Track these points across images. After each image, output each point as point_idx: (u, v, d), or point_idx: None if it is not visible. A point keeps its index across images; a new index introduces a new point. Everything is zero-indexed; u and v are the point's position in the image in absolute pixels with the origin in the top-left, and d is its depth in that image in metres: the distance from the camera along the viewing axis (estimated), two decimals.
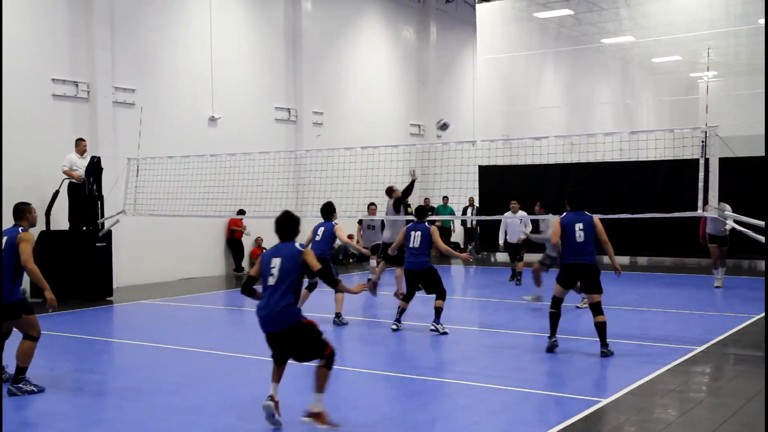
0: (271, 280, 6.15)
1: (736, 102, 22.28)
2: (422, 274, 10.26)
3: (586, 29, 27.54)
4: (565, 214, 8.98)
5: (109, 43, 15.77)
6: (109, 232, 14.14)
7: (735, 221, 10.72)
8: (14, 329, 7.70)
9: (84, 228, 14.03)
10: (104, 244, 14.00)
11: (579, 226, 8.79)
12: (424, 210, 10.80)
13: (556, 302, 9.03)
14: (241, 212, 18.22)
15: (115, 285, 14.35)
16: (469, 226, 23.07)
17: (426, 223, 10.43)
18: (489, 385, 7.64)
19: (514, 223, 14.64)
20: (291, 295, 6.12)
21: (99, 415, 6.89)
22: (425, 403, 7.00)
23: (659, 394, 7.28)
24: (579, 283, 9.12)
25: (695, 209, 10.00)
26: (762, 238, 9.66)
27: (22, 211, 7.76)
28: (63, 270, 13.66)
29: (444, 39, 25.85)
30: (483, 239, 21.80)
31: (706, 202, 10.11)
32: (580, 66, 29.39)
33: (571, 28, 27.30)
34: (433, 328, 10.07)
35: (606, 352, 8.73)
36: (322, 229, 10.80)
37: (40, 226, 14.01)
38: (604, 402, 6.91)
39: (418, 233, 10.24)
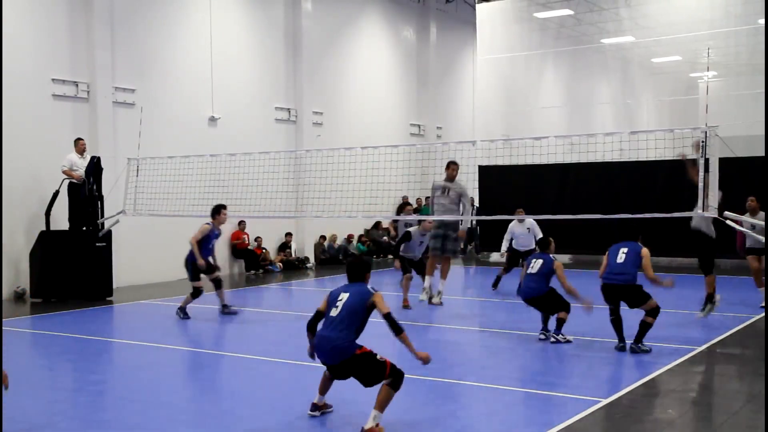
0: (334, 312, 6.20)
1: (736, 102, 22.27)
2: (542, 299, 9.88)
3: (586, 29, 27.54)
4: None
5: (109, 43, 15.77)
6: (109, 232, 14.13)
7: (736, 221, 10.69)
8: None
9: (84, 228, 14.02)
10: (104, 244, 13.99)
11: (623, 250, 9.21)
12: (546, 242, 10.31)
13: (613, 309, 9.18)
14: (242, 223, 18.36)
15: (115, 285, 14.35)
16: (469, 226, 23.05)
17: (551, 255, 9.98)
18: (489, 385, 7.64)
19: (522, 232, 14.24)
20: (350, 331, 6.14)
21: (99, 415, 6.89)
22: (425, 403, 6.99)
23: (659, 394, 7.28)
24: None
25: (695, 209, 9.99)
26: (762, 238, 9.65)
27: None
28: (63, 270, 13.67)
29: (444, 39, 25.86)
30: (483, 239, 21.81)
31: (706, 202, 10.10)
32: (580, 66, 29.39)
33: (571, 28, 27.30)
34: (554, 339, 9.64)
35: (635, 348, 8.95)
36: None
37: (40, 226, 14.05)
38: (604, 402, 6.90)
39: (539, 262, 9.87)
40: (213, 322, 11.84)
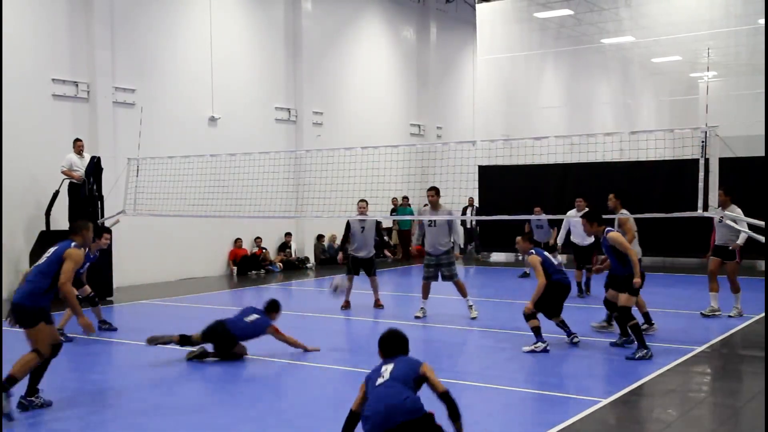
0: (379, 381, 5.19)
1: (736, 102, 22.25)
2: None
3: (586, 29, 27.54)
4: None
5: (109, 43, 15.78)
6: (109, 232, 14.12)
7: (736, 221, 10.68)
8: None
9: None
10: None
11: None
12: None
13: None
14: (238, 240, 18.42)
15: (115, 285, 14.35)
16: (468, 226, 23.08)
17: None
18: (489, 385, 7.65)
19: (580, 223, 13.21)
20: (409, 390, 5.20)
21: (99, 415, 6.89)
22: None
23: (659, 394, 7.28)
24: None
25: (695, 209, 9.99)
26: (762, 238, 9.65)
27: (79, 228, 7.36)
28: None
29: (444, 39, 25.86)
30: (483, 239, 21.82)
31: (706, 202, 10.10)
32: (580, 66, 29.39)
33: (571, 28, 27.30)
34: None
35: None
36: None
37: (40, 226, 14.05)
38: (604, 402, 6.90)
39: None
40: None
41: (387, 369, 5.25)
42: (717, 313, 11.50)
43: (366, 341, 10.29)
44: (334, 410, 6.36)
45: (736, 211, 10.76)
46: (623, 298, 8.86)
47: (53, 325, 7.12)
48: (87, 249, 9.54)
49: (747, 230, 10.35)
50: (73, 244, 7.10)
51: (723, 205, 10.74)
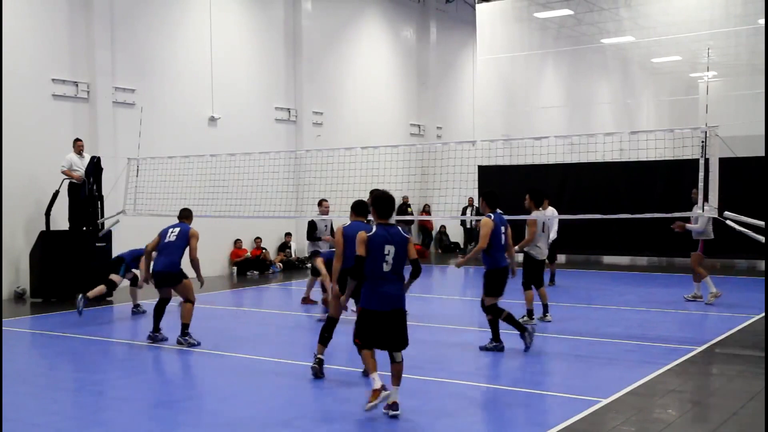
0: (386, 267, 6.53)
1: (736, 102, 22.27)
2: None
3: (586, 29, 27.52)
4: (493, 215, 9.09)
5: (109, 43, 15.77)
6: (109, 232, 14.13)
7: (735, 222, 10.68)
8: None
9: (84, 228, 14.02)
10: (104, 244, 13.99)
11: (502, 228, 9.19)
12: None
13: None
14: (238, 240, 18.45)
15: None
16: (468, 226, 23.05)
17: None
18: (489, 385, 7.64)
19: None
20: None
21: (99, 415, 6.89)
22: (425, 403, 6.99)
23: (659, 394, 7.28)
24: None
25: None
26: (762, 238, 9.65)
27: (189, 213, 10.19)
28: (63, 270, 13.66)
29: (444, 39, 25.86)
30: None
31: (706, 201, 10.11)
32: (580, 66, 29.37)
33: (571, 28, 27.29)
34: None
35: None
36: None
37: (40, 226, 14.05)
38: (604, 402, 6.90)
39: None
40: (213, 322, 11.83)
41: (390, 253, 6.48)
42: (699, 299, 12.56)
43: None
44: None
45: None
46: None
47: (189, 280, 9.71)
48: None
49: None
50: (191, 225, 9.83)
51: (697, 202, 11.44)
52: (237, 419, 6.59)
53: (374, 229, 6.61)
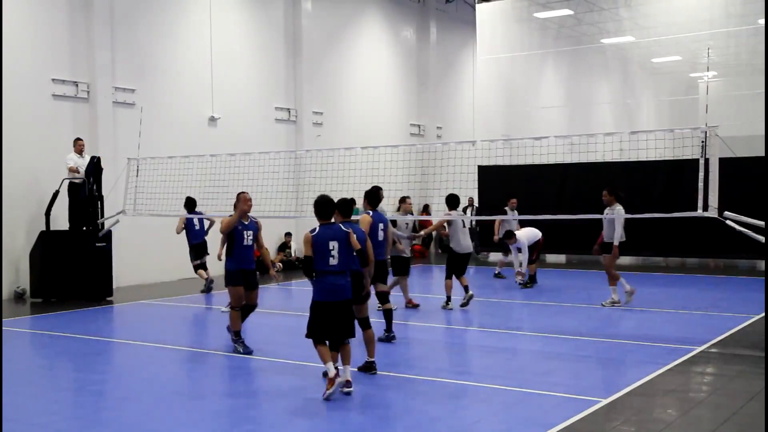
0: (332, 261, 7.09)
1: (736, 102, 22.27)
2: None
3: (586, 29, 27.54)
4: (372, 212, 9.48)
5: (109, 43, 15.77)
6: (109, 232, 14.13)
7: (735, 222, 10.67)
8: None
9: (84, 228, 14.03)
10: (104, 244, 13.99)
11: (380, 225, 9.57)
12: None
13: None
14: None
15: (115, 285, 14.34)
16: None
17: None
18: (489, 385, 7.65)
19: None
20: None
21: (99, 415, 6.89)
22: (425, 403, 6.99)
23: (659, 394, 7.28)
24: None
25: (695, 209, 9.99)
26: (762, 238, 9.65)
27: (238, 200, 9.39)
28: (63, 270, 13.67)
29: (444, 39, 25.86)
30: (482, 239, 21.80)
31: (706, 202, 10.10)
32: (580, 66, 29.38)
33: (571, 28, 27.30)
34: None
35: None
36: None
37: (40, 226, 14.05)
38: (604, 402, 6.91)
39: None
40: (213, 322, 11.84)
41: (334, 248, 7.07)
42: (617, 304, 12.39)
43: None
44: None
45: (616, 210, 11.88)
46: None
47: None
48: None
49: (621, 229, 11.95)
50: (258, 220, 9.61)
51: (608, 204, 12.06)
52: (244, 418, 6.59)
53: (317, 229, 7.17)
